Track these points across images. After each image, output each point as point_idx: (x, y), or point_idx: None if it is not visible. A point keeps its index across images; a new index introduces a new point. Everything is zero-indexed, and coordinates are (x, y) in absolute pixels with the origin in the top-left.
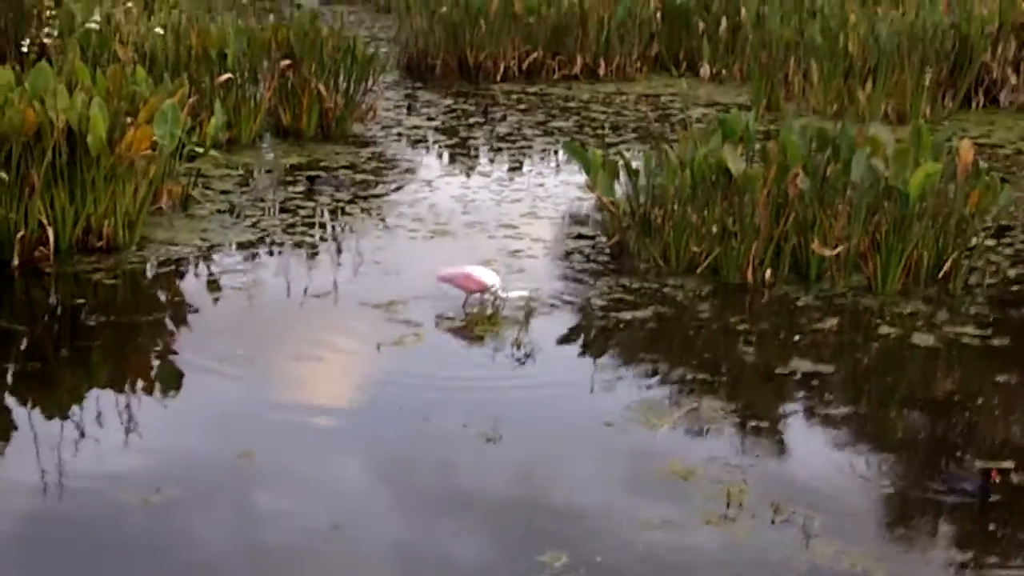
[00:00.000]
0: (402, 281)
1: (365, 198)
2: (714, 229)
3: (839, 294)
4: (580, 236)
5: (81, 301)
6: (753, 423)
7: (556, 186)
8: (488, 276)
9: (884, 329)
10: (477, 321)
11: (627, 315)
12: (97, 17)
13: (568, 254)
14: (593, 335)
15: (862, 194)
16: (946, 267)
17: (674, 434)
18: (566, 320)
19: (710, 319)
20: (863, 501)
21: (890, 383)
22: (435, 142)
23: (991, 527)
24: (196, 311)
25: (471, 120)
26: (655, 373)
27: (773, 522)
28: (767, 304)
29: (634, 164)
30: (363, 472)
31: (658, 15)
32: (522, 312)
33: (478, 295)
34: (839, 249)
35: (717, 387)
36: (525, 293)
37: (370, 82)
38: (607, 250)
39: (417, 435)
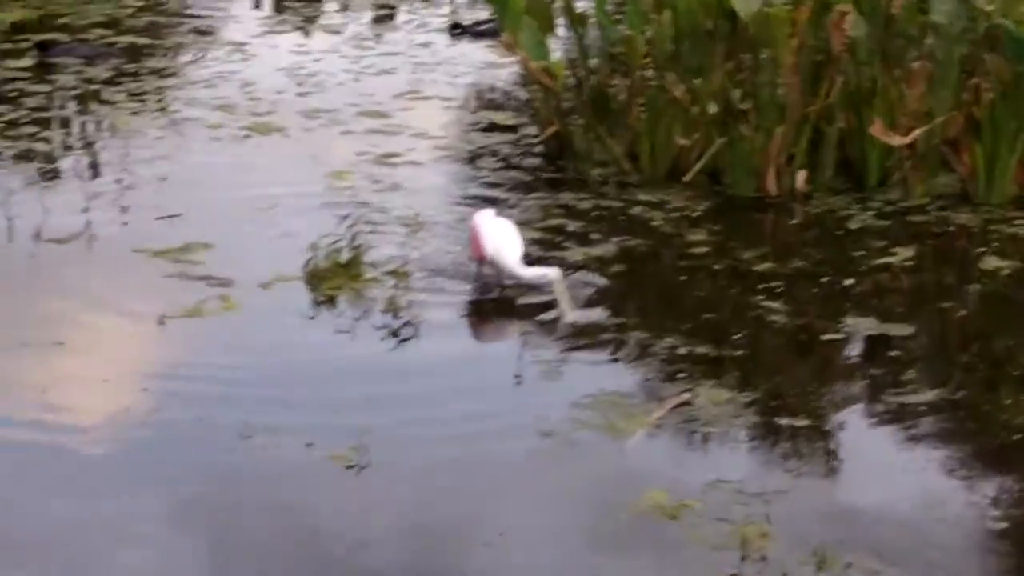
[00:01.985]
0: (200, 213)
1: (135, 74)
2: (712, 109)
3: (916, 208)
4: (493, 127)
5: None
6: (780, 422)
7: (451, 47)
8: (497, 242)
9: (992, 262)
10: (325, 275)
11: (575, 254)
12: None
13: (474, 158)
14: (517, 291)
15: (951, 43)
16: None
17: (653, 446)
18: (472, 268)
19: (709, 257)
20: (962, 545)
21: (1003, 352)
22: None
23: None
24: None
25: None
26: (621, 348)
27: None
28: (801, 229)
29: (578, 3)
30: (144, 533)
31: None
32: (396, 261)
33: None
34: (915, 134)
35: (722, 366)
36: (597, 313)
37: None
38: (538, 148)
39: (232, 465)
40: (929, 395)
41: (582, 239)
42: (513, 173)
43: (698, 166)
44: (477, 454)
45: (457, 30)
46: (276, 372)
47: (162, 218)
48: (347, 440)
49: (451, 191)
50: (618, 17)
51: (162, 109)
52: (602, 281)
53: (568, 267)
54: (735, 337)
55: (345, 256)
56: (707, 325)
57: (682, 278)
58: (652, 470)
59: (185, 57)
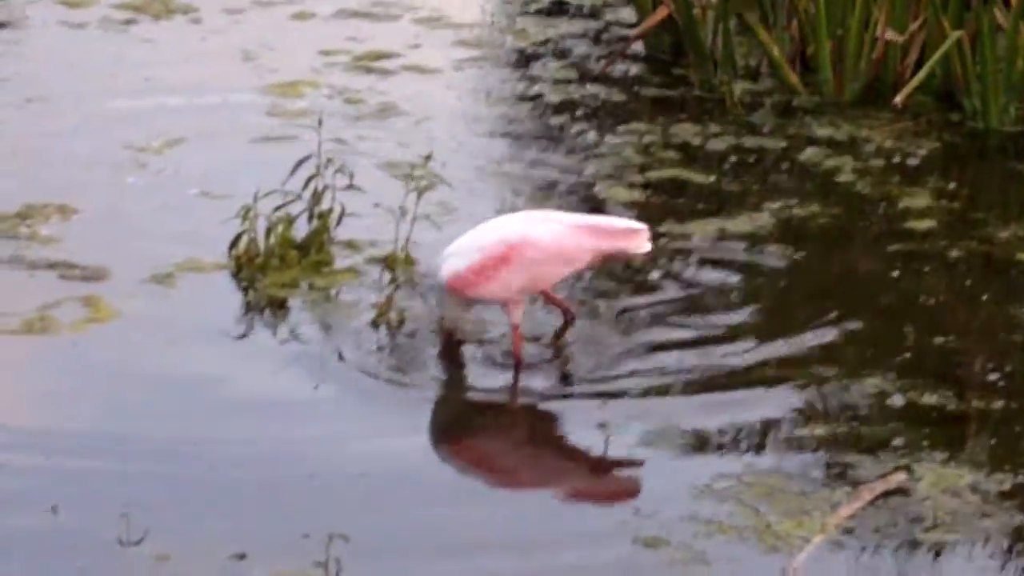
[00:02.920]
0: (48, 153)
1: None
2: None
3: None
4: (559, 8)
5: None
6: None
7: None
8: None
9: None
10: (267, 263)
11: (701, 229)
12: None
13: (527, 60)
14: (612, 295)
15: None
16: None
17: (839, 565)
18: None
19: (940, 237)
20: None
21: None
22: None
23: None
24: None
25: None
26: (785, 395)
27: None
28: None
29: None
30: None
31: None
32: (391, 241)
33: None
34: None
35: (964, 428)
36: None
37: None
38: (637, 46)
39: None
40: None
41: (714, 203)
42: (593, 88)
43: (918, 79)
44: (535, 572)
45: None
46: (182, 434)
47: None
48: (308, 552)
49: (484, 119)
50: None
51: None
52: (751, 274)
53: (676, 252)
54: (988, 378)
55: (303, 231)
56: (937, 356)
57: (893, 273)
58: None
59: None
